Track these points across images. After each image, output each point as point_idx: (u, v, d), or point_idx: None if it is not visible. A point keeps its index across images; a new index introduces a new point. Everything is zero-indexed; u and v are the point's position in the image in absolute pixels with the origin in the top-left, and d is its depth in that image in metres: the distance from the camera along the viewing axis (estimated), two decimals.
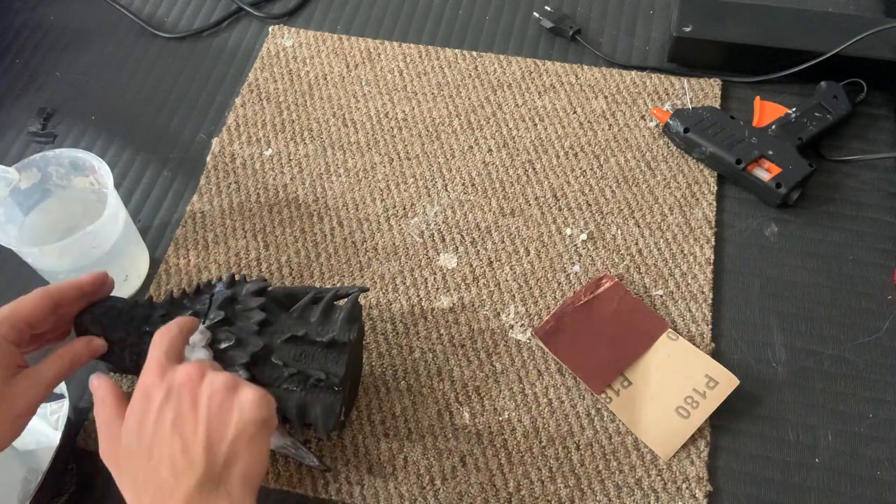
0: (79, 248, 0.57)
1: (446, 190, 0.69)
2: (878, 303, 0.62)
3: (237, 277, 0.57)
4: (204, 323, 0.52)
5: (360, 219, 0.68)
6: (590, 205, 0.68)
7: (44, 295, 0.50)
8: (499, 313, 0.63)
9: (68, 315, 0.52)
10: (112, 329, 0.53)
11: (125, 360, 0.53)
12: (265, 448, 0.44)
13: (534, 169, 0.70)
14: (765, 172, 0.67)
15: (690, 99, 0.74)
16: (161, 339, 0.46)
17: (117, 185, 0.70)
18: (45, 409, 0.58)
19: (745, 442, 0.57)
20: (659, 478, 0.55)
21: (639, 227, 0.67)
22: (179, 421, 0.42)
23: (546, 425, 0.58)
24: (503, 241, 0.66)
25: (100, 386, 0.46)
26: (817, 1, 0.80)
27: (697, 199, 0.68)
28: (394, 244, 0.66)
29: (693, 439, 0.56)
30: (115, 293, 0.62)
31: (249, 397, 0.43)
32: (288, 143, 0.73)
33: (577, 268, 0.65)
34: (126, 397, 0.45)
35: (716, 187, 0.68)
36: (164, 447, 0.42)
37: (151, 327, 0.53)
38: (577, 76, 0.76)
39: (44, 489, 0.52)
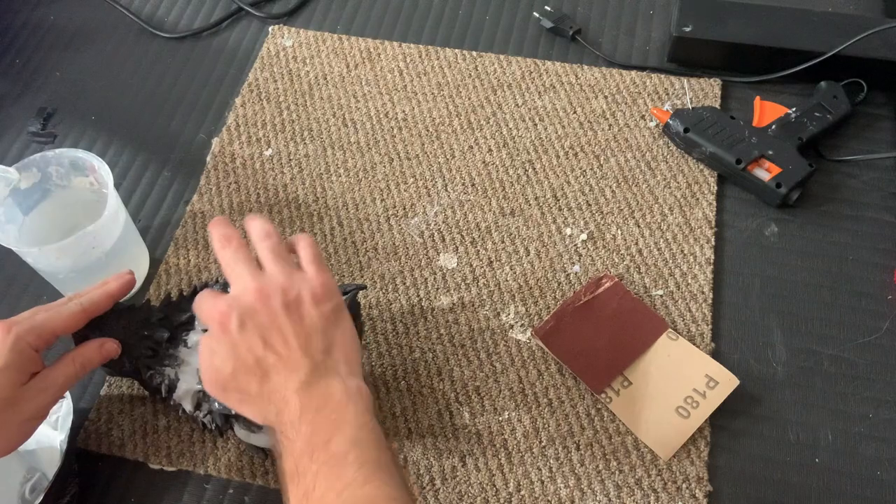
0: (79, 248, 0.57)
1: (446, 190, 0.69)
2: (878, 303, 0.62)
3: None
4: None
5: (360, 219, 0.68)
6: (590, 205, 0.68)
7: (78, 309, 0.50)
8: (499, 313, 0.63)
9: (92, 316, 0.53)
10: (110, 333, 0.53)
11: (124, 364, 0.53)
12: (349, 325, 0.47)
13: (534, 169, 0.70)
14: (765, 172, 0.67)
15: (690, 99, 0.74)
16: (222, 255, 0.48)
17: (117, 185, 0.70)
18: None
19: (745, 442, 0.57)
20: (659, 478, 0.55)
21: (639, 227, 0.67)
22: (267, 338, 0.44)
23: (546, 425, 0.58)
24: (503, 241, 0.66)
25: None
26: (817, 1, 0.80)
27: (697, 199, 0.68)
28: (394, 244, 0.66)
29: (693, 439, 0.56)
30: None
31: (316, 292, 0.46)
32: (288, 143, 0.73)
33: (577, 268, 0.65)
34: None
35: (716, 187, 0.68)
36: (265, 362, 0.44)
37: (149, 331, 0.53)
38: (577, 76, 0.76)
39: (48, 493, 0.52)
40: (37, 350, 0.48)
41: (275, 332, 0.45)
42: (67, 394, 0.56)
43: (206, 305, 0.46)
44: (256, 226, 0.49)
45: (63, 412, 0.56)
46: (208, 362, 0.46)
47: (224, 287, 0.55)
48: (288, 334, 0.45)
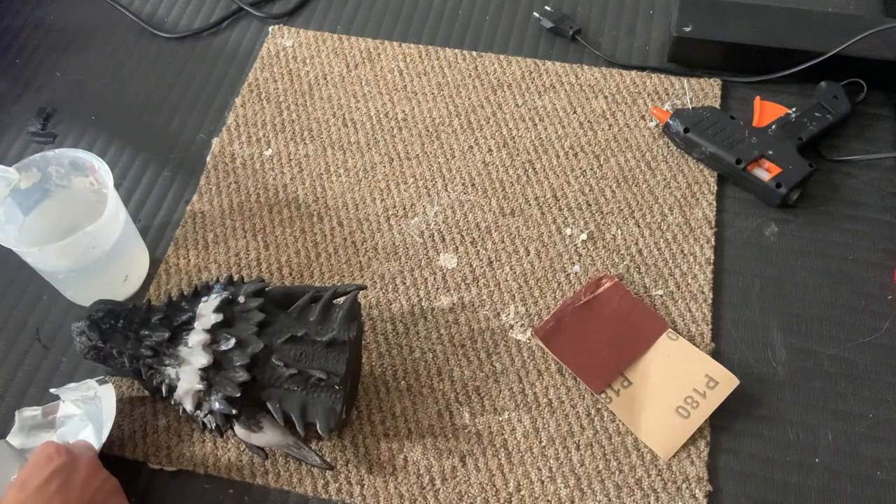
0: (79, 248, 0.57)
1: (446, 190, 0.69)
2: (878, 303, 0.62)
3: (235, 278, 0.57)
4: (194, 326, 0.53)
5: (360, 219, 0.68)
6: (590, 205, 0.68)
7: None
8: (499, 313, 0.63)
9: None
10: (110, 334, 0.53)
11: (125, 365, 0.53)
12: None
13: (534, 169, 0.70)
14: (765, 172, 0.67)
15: (690, 99, 0.74)
16: None
17: (117, 185, 0.70)
18: (38, 411, 0.58)
19: (745, 442, 0.57)
20: (659, 478, 0.55)
21: (639, 227, 0.67)
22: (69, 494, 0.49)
23: (546, 425, 0.58)
24: (503, 241, 0.66)
25: None
26: (817, 1, 0.80)
27: (697, 199, 0.68)
28: (394, 244, 0.66)
29: (693, 439, 0.56)
30: (115, 293, 0.62)
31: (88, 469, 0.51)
32: (288, 143, 0.73)
33: (577, 268, 0.65)
34: None
35: (716, 187, 0.68)
36: None
37: (150, 331, 0.53)
38: (577, 76, 0.76)
39: None
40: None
41: (75, 498, 0.49)
42: (63, 397, 0.57)
43: (44, 445, 0.51)
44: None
45: (59, 414, 0.57)
46: (18, 484, 0.50)
47: (225, 287, 0.55)
48: None
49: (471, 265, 0.65)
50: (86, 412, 0.57)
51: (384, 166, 0.71)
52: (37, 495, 0.47)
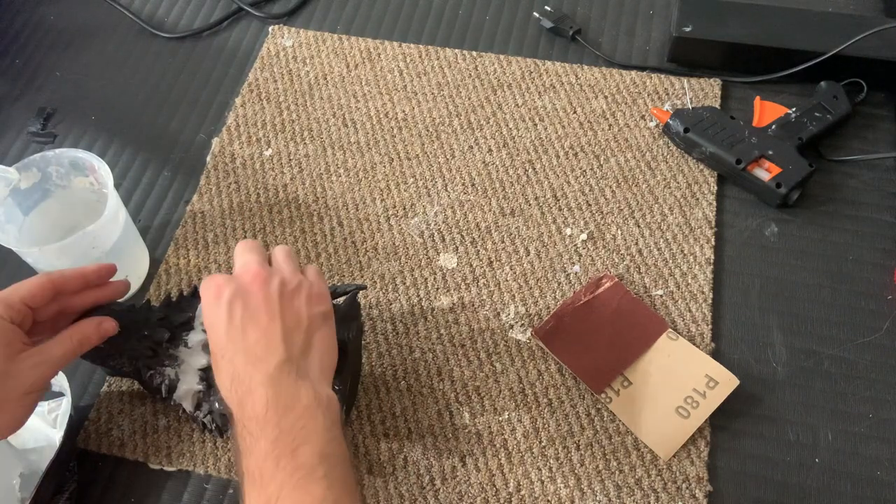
0: (79, 248, 0.57)
1: (446, 190, 0.69)
2: (878, 303, 0.62)
3: None
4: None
5: (360, 219, 0.68)
6: (590, 205, 0.68)
7: (44, 279, 0.50)
8: (499, 313, 0.63)
9: (71, 306, 0.52)
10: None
11: (124, 365, 0.53)
12: (332, 334, 0.48)
13: (534, 169, 0.70)
14: (765, 172, 0.67)
15: (690, 99, 0.74)
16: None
17: (117, 185, 0.70)
18: (44, 406, 0.58)
19: (745, 442, 0.57)
20: (659, 478, 0.55)
21: (639, 227, 0.67)
22: (254, 317, 0.45)
23: (546, 425, 0.58)
24: (503, 241, 0.66)
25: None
26: (817, 1, 0.80)
27: (697, 199, 0.68)
28: (394, 244, 0.66)
29: (693, 439, 0.56)
30: None
31: (312, 293, 0.48)
32: (288, 143, 0.73)
33: (577, 268, 0.65)
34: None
35: (716, 187, 0.68)
36: (239, 340, 0.45)
37: (150, 331, 0.53)
38: (577, 76, 0.76)
39: (45, 486, 0.52)
40: (12, 321, 0.48)
41: (261, 315, 0.45)
42: (67, 391, 0.56)
43: (207, 281, 0.47)
44: (280, 247, 0.51)
45: (62, 410, 0.57)
46: (208, 329, 0.47)
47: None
48: (274, 320, 0.45)
49: (471, 265, 0.65)
50: None
51: (384, 166, 0.71)
52: (230, 332, 0.45)
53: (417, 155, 0.71)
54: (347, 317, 0.54)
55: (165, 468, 0.57)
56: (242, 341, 0.45)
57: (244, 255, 0.49)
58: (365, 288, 0.57)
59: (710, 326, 0.61)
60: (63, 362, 0.49)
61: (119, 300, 0.55)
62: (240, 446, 0.43)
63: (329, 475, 0.41)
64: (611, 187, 0.69)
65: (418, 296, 0.64)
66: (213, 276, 0.47)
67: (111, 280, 0.54)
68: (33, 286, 0.49)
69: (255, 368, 0.44)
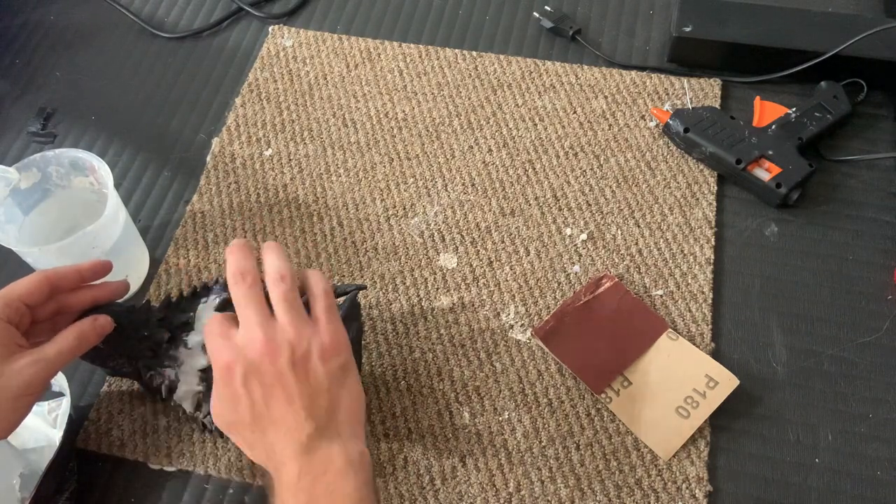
0: (79, 248, 0.57)
1: (446, 190, 0.69)
2: (878, 303, 0.62)
3: None
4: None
5: (360, 219, 0.68)
6: (590, 205, 0.68)
7: (40, 276, 0.50)
8: (499, 313, 0.63)
9: (69, 306, 0.52)
10: (110, 335, 0.53)
11: (124, 365, 0.53)
12: (356, 382, 0.46)
13: (534, 169, 0.70)
14: (765, 172, 0.67)
15: (690, 99, 0.74)
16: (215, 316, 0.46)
17: (117, 185, 0.70)
18: (43, 406, 0.58)
19: (745, 442, 0.57)
20: (659, 478, 0.55)
21: (639, 227, 0.67)
22: (270, 396, 0.43)
23: (546, 425, 0.58)
24: (503, 241, 0.66)
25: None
26: (817, 1, 0.80)
27: (697, 199, 0.68)
28: (394, 244, 0.66)
29: (693, 439, 0.56)
30: None
31: (325, 347, 0.44)
32: (288, 143, 0.73)
33: (577, 268, 0.65)
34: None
35: (716, 187, 0.68)
36: (263, 421, 0.43)
37: (149, 331, 0.53)
38: (577, 76, 0.76)
39: (45, 486, 0.52)
40: (13, 323, 0.48)
41: (278, 390, 0.43)
42: (67, 392, 0.56)
43: (213, 346, 0.45)
44: (272, 264, 0.46)
45: (62, 410, 0.56)
46: (215, 404, 0.46)
47: (225, 287, 0.55)
48: (293, 394, 0.43)
49: (471, 265, 0.65)
50: None
51: (384, 166, 0.71)
52: (254, 410, 0.44)
53: (417, 155, 0.71)
54: (348, 317, 0.54)
55: (165, 468, 0.57)
56: (269, 416, 0.44)
57: (245, 309, 0.45)
58: (365, 288, 0.57)
59: (710, 326, 0.61)
60: (60, 362, 0.48)
61: (119, 300, 0.55)
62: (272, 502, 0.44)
63: None
64: (611, 187, 0.69)
65: (418, 296, 0.64)
66: (221, 344, 0.44)
67: (110, 280, 0.54)
68: (30, 283, 0.49)
69: (286, 442, 0.43)
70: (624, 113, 0.73)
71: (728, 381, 0.57)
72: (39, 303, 0.50)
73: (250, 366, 0.43)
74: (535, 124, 0.73)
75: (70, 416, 0.56)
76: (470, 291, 0.64)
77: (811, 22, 0.74)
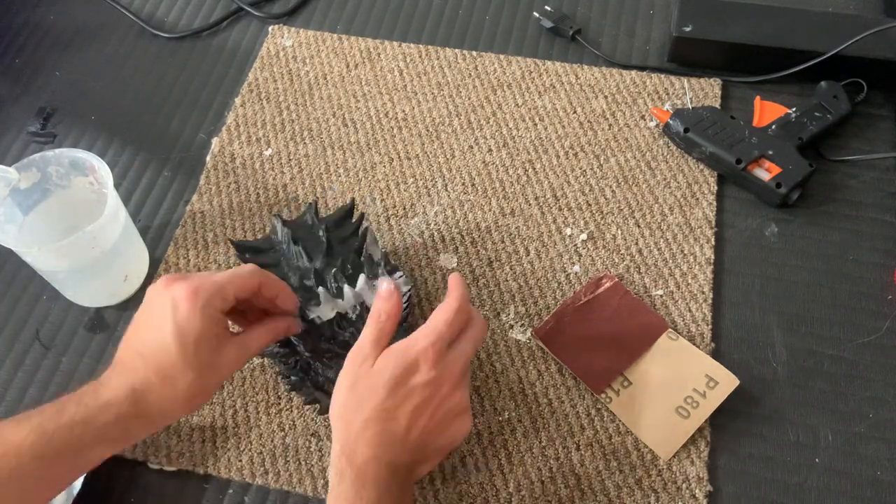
0: (78, 248, 0.57)
1: (446, 190, 0.69)
2: (878, 303, 0.62)
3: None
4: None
5: None
6: (590, 205, 0.68)
7: (255, 277, 0.51)
8: (499, 313, 0.63)
9: (259, 306, 0.53)
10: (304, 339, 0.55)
11: (292, 367, 0.56)
12: (441, 460, 0.53)
13: (534, 169, 0.70)
14: (765, 172, 0.67)
15: (690, 99, 0.74)
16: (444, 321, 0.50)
17: (117, 185, 0.70)
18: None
19: (745, 442, 0.57)
20: (659, 478, 0.55)
21: (639, 227, 0.67)
22: (421, 405, 0.48)
23: (546, 425, 0.58)
24: (503, 241, 0.66)
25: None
26: (817, 1, 0.80)
27: (697, 199, 0.68)
28: (394, 244, 0.66)
29: (693, 439, 0.56)
30: (114, 293, 0.62)
31: (463, 429, 0.50)
32: (288, 143, 0.73)
33: (577, 268, 0.65)
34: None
35: (716, 187, 0.68)
36: (398, 411, 0.48)
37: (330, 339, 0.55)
38: (577, 76, 0.76)
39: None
40: (223, 312, 0.50)
41: (426, 409, 0.48)
42: None
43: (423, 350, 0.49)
44: (465, 314, 0.51)
45: None
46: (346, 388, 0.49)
47: (315, 214, 0.59)
48: (432, 422, 0.48)
49: (471, 265, 0.65)
50: None
51: (384, 166, 0.71)
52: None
53: (417, 155, 0.71)
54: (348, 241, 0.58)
55: (165, 468, 0.57)
56: (399, 412, 0.48)
57: (450, 354, 0.50)
58: (354, 201, 0.61)
59: (710, 326, 0.61)
60: (256, 353, 0.52)
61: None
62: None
63: None
64: (611, 187, 0.69)
65: (418, 296, 0.64)
66: (426, 351, 0.48)
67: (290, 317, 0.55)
68: (245, 282, 0.50)
69: (381, 449, 0.48)
70: (624, 113, 0.73)
71: (728, 381, 0.57)
72: (247, 297, 0.51)
73: (441, 378, 0.48)
74: (535, 124, 0.73)
75: None
76: (470, 291, 0.64)
77: (811, 22, 0.74)
